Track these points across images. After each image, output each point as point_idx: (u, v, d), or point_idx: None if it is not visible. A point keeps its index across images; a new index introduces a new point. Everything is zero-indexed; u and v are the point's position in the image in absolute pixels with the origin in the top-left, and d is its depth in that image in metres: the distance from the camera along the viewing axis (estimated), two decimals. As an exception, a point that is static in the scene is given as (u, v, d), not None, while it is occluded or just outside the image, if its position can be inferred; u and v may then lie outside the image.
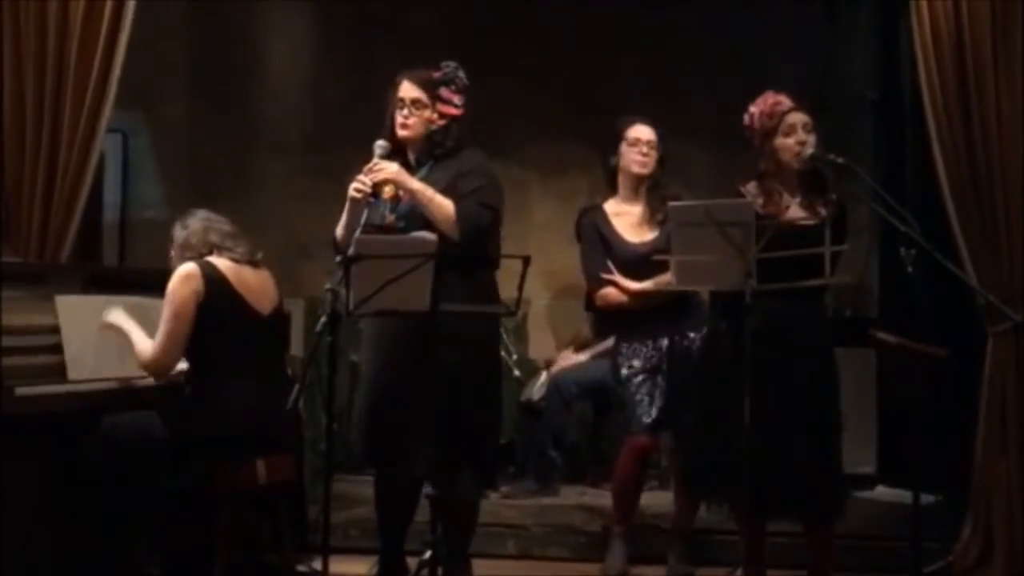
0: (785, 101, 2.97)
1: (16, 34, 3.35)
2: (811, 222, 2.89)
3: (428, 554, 2.83)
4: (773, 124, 2.95)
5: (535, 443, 4.33)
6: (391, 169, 2.94)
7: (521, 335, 4.74)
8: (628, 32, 4.87)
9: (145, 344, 2.89)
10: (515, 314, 2.91)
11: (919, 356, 3.00)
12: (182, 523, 2.95)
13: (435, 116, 3.04)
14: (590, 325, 4.50)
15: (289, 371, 3.28)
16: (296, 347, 3.17)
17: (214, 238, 2.93)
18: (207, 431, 2.83)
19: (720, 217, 2.74)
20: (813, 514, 2.97)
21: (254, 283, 2.94)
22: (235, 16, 4.95)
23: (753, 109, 3.00)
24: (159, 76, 4.77)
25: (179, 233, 2.97)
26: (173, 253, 2.97)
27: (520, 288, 2.69)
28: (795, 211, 2.99)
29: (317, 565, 2.85)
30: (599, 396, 4.22)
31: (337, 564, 2.84)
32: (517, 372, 4.52)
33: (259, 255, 2.99)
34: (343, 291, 2.62)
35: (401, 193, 3.00)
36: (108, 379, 2.96)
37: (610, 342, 3.66)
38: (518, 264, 2.64)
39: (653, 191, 3.43)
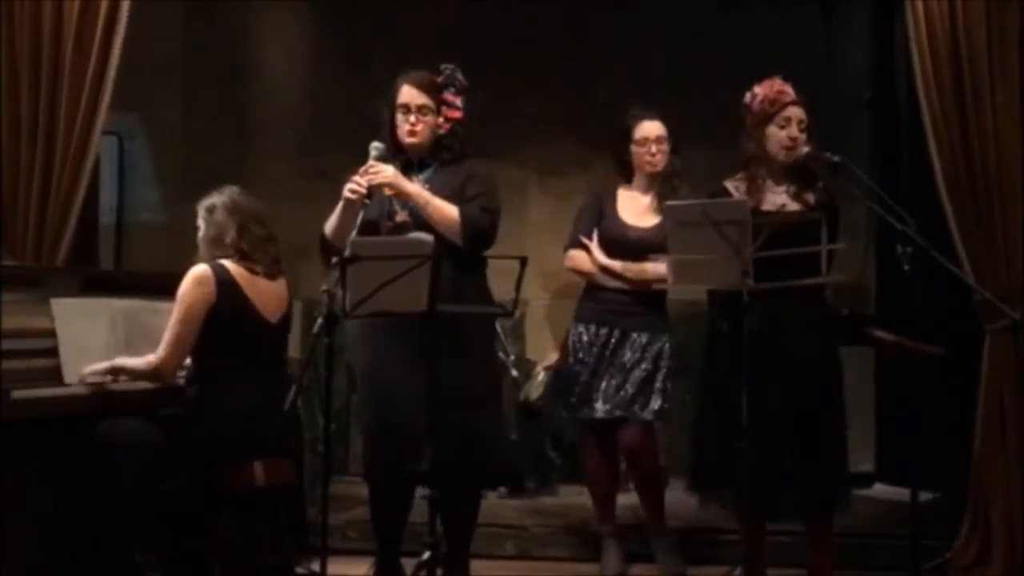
0: (789, 91, 2.99)
1: (11, 35, 3.35)
2: (803, 210, 2.90)
3: (427, 555, 2.82)
4: (772, 111, 2.96)
5: (533, 443, 4.34)
6: (387, 172, 2.94)
7: (518, 335, 4.74)
8: (625, 32, 4.87)
9: (143, 359, 2.89)
10: (512, 315, 2.91)
11: (917, 354, 3.00)
12: (181, 525, 2.95)
13: (441, 121, 3.05)
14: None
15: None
16: (293, 348, 3.17)
17: (246, 246, 2.91)
18: (207, 434, 2.83)
19: (717, 216, 2.75)
20: (815, 508, 2.97)
21: (267, 291, 2.95)
22: (231, 18, 4.95)
23: (757, 90, 3.00)
24: (155, 78, 4.76)
25: (214, 221, 2.92)
26: (201, 235, 2.94)
27: (517, 289, 2.69)
28: (787, 204, 2.99)
29: (316, 567, 2.85)
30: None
31: (335, 566, 2.84)
32: (515, 372, 4.51)
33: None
34: (340, 293, 2.61)
35: None
36: (104, 382, 2.94)
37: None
38: (515, 264, 2.64)
39: (667, 183, 3.44)
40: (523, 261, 2.63)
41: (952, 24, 3.38)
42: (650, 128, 3.42)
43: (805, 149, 2.96)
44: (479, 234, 2.97)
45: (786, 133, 2.97)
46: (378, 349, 3.03)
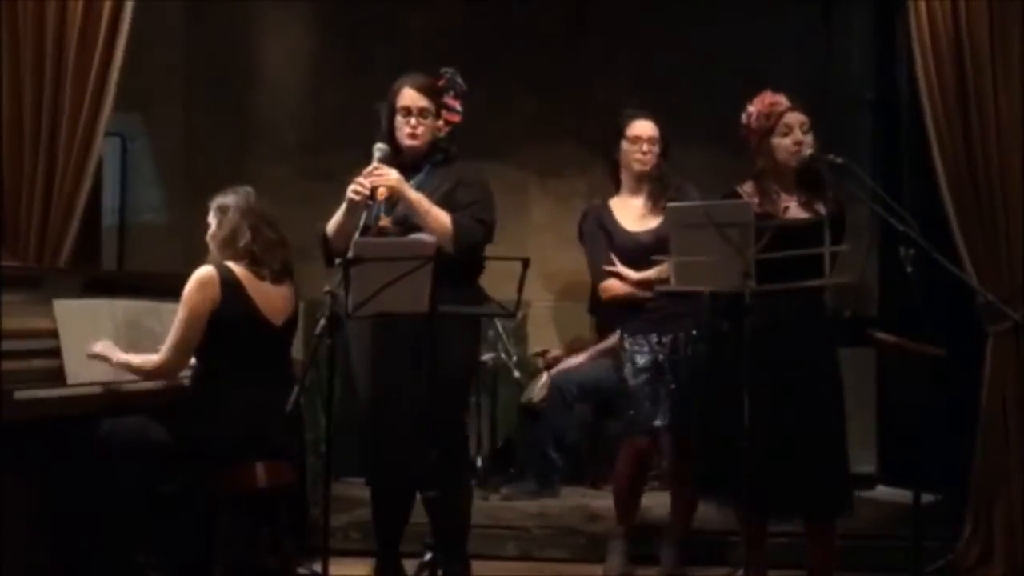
0: (782, 101, 2.98)
1: (14, 37, 3.35)
2: (808, 215, 2.89)
3: (428, 556, 2.83)
4: (770, 124, 2.96)
5: (535, 444, 4.33)
6: (392, 176, 2.93)
7: (520, 337, 4.74)
8: (625, 33, 4.87)
9: (146, 357, 2.89)
10: (514, 316, 2.91)
11: (919, 356, 3.00)
12: (182, 526, 2.95)
13: (441, 124, 3.05)
14: (594, 326, 4.50)
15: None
16: (295, 350, 3.18)
17: (257, 249, 2.91)
18: (209, 435, 2.83)
19: (719, 218, 2.74)
20: (817, 512, 2.97)
21: (272, 293, 2.95)
22: (233, 20, 4.96)
23: (751, 108, 3.01)
24: (157, 80, 4.77)
25: (228, 222, 2.93)
26: (211, 233, 2.95)
27: (519, 290, 2.69)
28: (795, 211, 2.99)
29: (317, 567, 2.84)
30: (599, 397, 4.22)
31: (337, 566, 2.84)
32: (517, 374, 4.52)
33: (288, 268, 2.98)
34: (342, 294, 2.62)
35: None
36: (106, 383, 2.95)
37: (610, 342, 3.65)
38: (517, 266, 2.64)
39: (657, 182, 3.41)
40: (525, 262, 2.63)
41: (954, 25, 3.38)
42: (643, 127, 3.41)
43: (808, 151, 2.96)
44: (471, 244, 2.97)
45: (791, 140, 2.96)
46: (367, 350, 3.03)
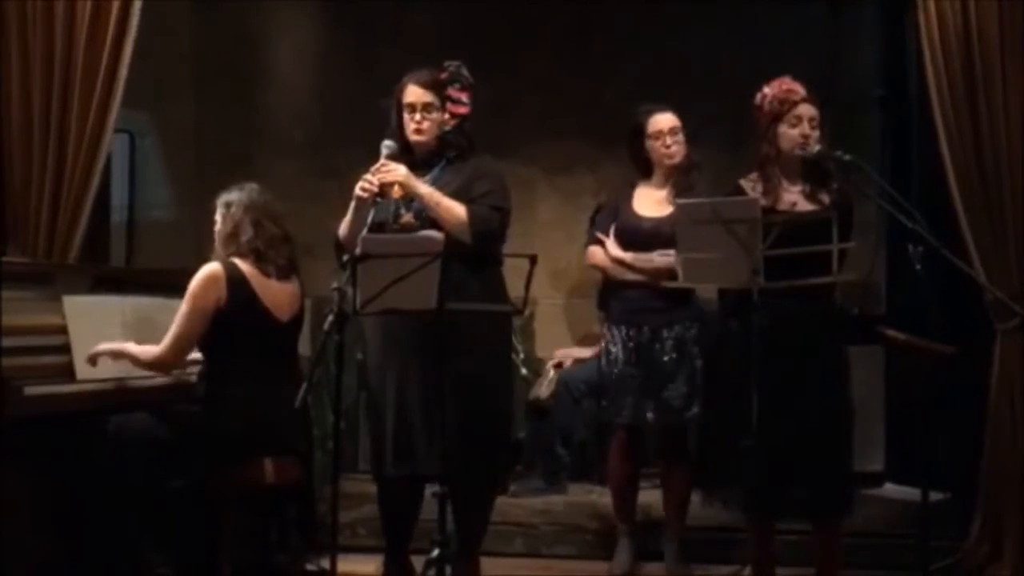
0: (799, 89, 2.99)
1: (23, 34, 3.37)
2: (815, 208, 2.89)
3: (436, 552, 2.83)
4: (783, 109, 2.96)
5: (543, 441, 4.33)
6: (399, 172, 2.94)
7: (528, 334, 4.74)
8: (632, 30, 4.86)
9: (147, 347, 2.90)
10: (522, 313, 2.92)
11: (927, 353, 2.99)
12: (190, 522, 2.96)
13: (446, 117, 3.05)
14: (602, 322, 4.49)
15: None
16: (303, 346, 3.18)
17: (261, 245, 2.92)
18: (217, 431, 2.84)
19: (727, 214, 2.74)
20: (822, 511, 2.97)
21: (278, 290, 2.96)
22: (241, 18, 4.96)
23: (766, 90, 3.00)
24: (166, 77, 4.78)
25: (232, 217, 2.94)
26: (217, 229, 2.96)
27: (527, 287, 2.69)
28: (802, 204, 2.99)
29: (325, 564, 2.85)
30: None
31: (345, 563, 2.85)
32: (524, 371, 4.51)
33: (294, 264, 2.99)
34: (350, 290, 2.62)
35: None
36: (116, 379, 2.96)
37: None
38: (524, 263, 2.64)
39: (686, 174, 3.42)
40: (533, 259, 2.63)
41: (964, 22, 3.37)
42: (663, 120, 3.41)
43: (816, 147, 2.95)
44: (488, 232, 2.97)
45: (798, 131, 2.96)
46: (382, 348, 3.03)
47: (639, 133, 3.44)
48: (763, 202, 2.87)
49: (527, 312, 3.49)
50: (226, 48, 4.95)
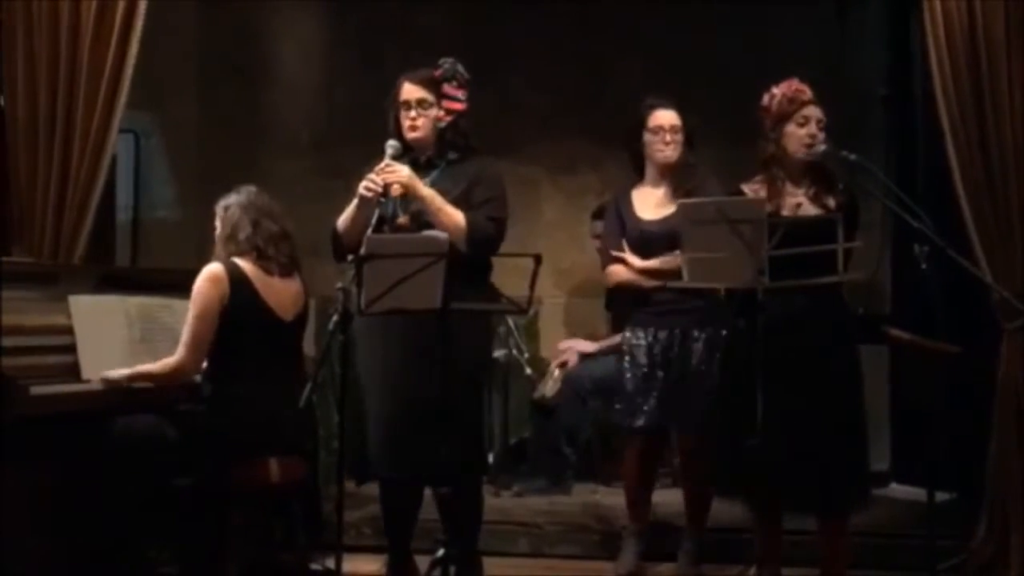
0: (808, 92, 2.99)
1: (29, 35, 3.37)
2: (820, 213, 2.89)
3: (440, 552, 2.83)
4: (791, 109, 2.96)
5: (548, 441, 4.32)
6: (403, 173, 2.94)
7: (532, 333, 4.74)
8: (636, 30, 4.86)
9: (163, 361, 2.90)
10: (526, 312, 2.91)
11: (933, 353, 2.99)
12: (195, 522, 2.96)
13: (442, 114, 3.05)
14: (609, 321, 4.49)
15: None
16: (308, 346, 3.19)
17: (260, 242, 2.93)
18: (222, 431, 2.84)
19: (732, 214, 2.73)
20: (830, 507, 2.96)
21: (281, 288, 2.96)
22: (246, 18, 4.97)
23: (775, 90, 3.00)
24: (171, 77, 4.79)
25: (229, 218, 2.95)
26: (217, 233, 2.97)
27: (532, 286, 2.69)
28: (805, 206, 2.98)
29: (330, 563, 2.85)
30: (612, 393, 4.21)
31: (350, 562, 2.85)
32: (529, 370, 4.51)
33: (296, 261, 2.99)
34: (355, 290, 2.62)
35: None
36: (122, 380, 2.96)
37: (619, 337, 3.63)
38: (528, 262, 2.64)
39: (680, 173, 3.36)
40: (537, 259, 2.63)
41: (970, 21, 3.36)
42: (665, 116, 3.37)
43: (822, 147, 2.95)
44: (484, 242, 2.97)
45: (805, 131, 2.96)
46: (376, 348, 3.03)
47: (639, 125, 3.41)
48: (768, 207, 2.87)
49: (531, 311, 3.48)
50: (231, 48, 4.96)
